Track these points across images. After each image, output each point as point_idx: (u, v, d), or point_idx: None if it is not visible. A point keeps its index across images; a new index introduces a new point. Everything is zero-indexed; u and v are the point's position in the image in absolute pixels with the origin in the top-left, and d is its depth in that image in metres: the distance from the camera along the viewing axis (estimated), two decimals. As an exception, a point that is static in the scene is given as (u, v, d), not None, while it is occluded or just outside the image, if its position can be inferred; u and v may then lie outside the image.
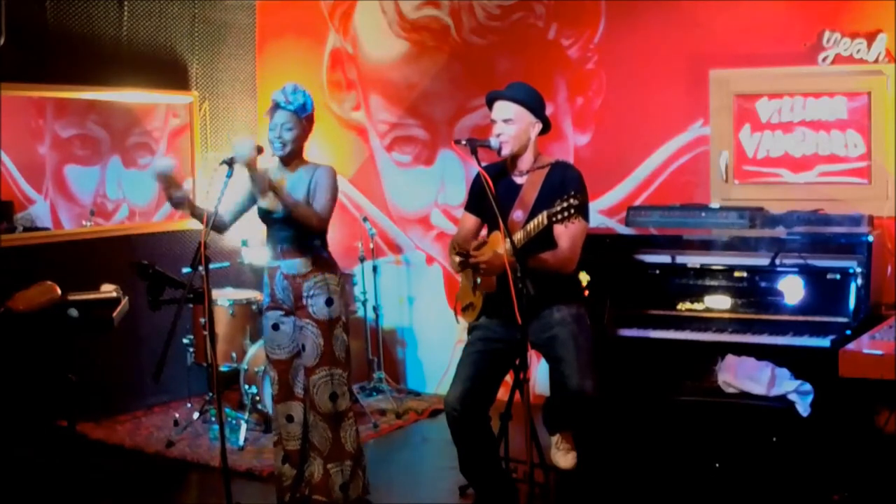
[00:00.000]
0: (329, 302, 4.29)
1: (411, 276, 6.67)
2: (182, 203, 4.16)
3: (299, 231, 4.26)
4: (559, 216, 3.78)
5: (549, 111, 4.29)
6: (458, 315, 4.41)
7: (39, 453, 5.13)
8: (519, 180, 4.23)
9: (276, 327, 4.39)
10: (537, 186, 4.16)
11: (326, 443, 4.36)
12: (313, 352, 4.29)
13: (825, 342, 4.34)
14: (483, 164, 4.14)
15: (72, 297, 3.92)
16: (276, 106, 4.25)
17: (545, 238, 4.02)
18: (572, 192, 3.78)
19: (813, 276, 4.61)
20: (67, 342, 4.07)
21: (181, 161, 6.48)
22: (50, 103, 5.98)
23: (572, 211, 3.75)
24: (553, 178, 4.15)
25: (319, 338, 4.28)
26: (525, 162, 4.22)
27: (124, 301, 4.07)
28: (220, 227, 4.40)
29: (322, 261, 4.33)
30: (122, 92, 6.18)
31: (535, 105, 4.17)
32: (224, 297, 5.81)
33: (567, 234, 4.05)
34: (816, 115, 5.24)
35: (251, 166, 4.08)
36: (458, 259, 4.10)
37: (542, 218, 3.88)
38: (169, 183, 4.13)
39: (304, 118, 4.27)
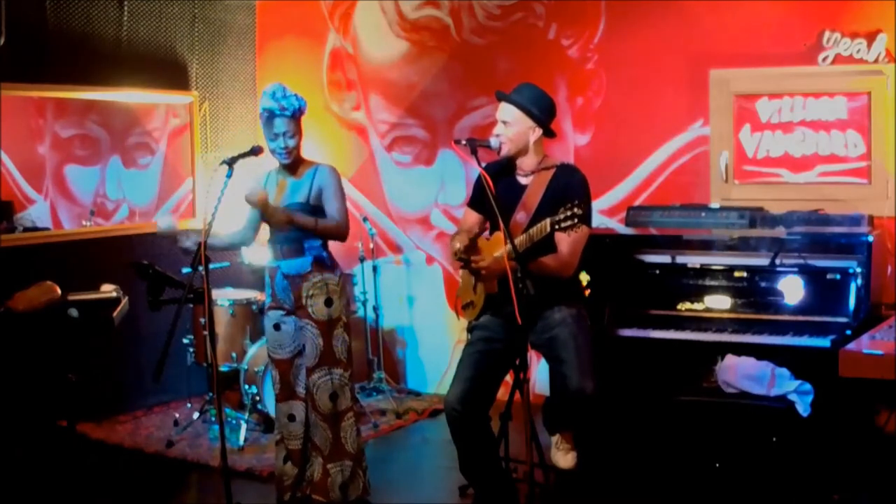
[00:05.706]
0: (328, 302, 4.29)
1: (411, 276, 6.67)
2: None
3: (302, 233, 4.26)
4: (562, 224, 3.78)
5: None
6: (458, 313, 4.41)
7: (39, 453, 5.12)
8: (523, 181, 4.22)
9: (277, 327, 4.39)
10: (541, 190, 4.15)
11: (327, 443, 4.36)
12: (313, 352, 4.30)
13: (825, 342, 4.34)
14: (486, 161, 4.13)
15: (72, 297, 3.92)
16: (273, 114, 4.20)
17: (546, 240, 4.02)
18: (576, 202, 3.78)
19: (813, 276, 4.62)
20: (67, 342, 4.06)
21: (181, 161, 6.49)
22: (50, 103, 5.98)
23: (576, 220, 3.75)
24: (558, 183, 4.14)
25: (319, 338, 4.29)
26: (527, 163, 4.21)
27: (124, 301, 4.06)
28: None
29: (322, 261, 4.33)
30: (122, 92, 6.18)
31: (534, 111, 4.14)
32: (224, 297, 5.81)
33: (568, 241, 4.04)
34: (816, 115, 5.24)
35: (264, 205, 4.12)
36: (458, 248, 4.10)
37: (545, 225, 3.88)
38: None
39: (300, 120, 4.27)
